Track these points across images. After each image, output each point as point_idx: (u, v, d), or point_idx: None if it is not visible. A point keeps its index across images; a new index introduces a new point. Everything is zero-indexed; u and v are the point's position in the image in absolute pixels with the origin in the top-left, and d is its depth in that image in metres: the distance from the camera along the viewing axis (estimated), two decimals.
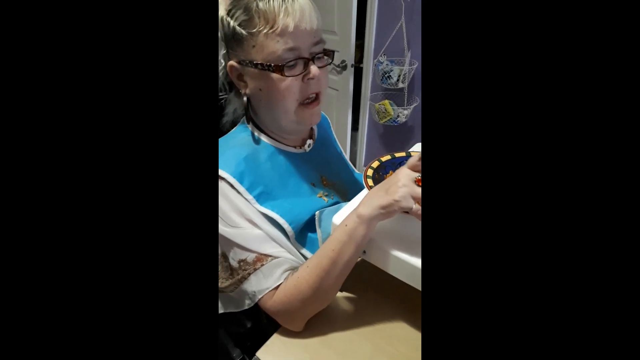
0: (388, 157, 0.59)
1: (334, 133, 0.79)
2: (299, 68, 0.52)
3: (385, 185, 0.46)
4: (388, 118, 1.65)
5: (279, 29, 0.49)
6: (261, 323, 0.63)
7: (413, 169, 0.45)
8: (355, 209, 0.47)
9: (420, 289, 0.45)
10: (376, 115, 1.68)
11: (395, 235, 0.48)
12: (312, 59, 0.52)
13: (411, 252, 0.45)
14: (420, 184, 0.43)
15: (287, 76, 0.51)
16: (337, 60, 1.77)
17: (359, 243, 0.47)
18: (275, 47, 0.50)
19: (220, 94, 0.64)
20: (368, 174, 0.53)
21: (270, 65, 0.50)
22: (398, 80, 1.57)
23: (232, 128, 0.63)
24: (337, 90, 1.88)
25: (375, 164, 0.56)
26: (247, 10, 0.50)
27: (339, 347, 0.51)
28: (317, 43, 0.53)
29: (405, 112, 1.63)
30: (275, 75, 0.51)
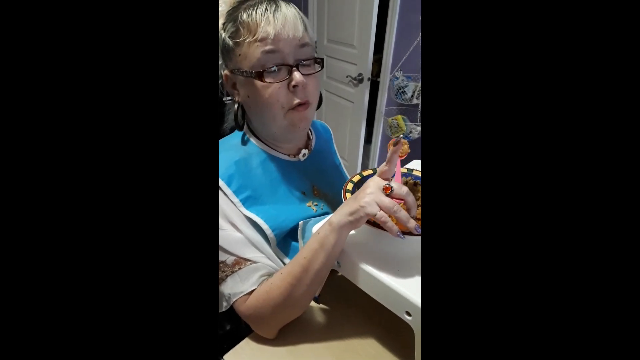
0: (370, 171, 0.58)
1: (335, 145, 0.79)
2: (282, 75, 0.52)
3: (355, 194, 0.46)
4: (400, 133, 1.64)
5: (259, 37, 0.50)
6: (240, 327, 0.63)
7: (381, 176, 0.46)
8: (328, 218, 0.47)
9: (385, 304, 0.44)
10: (389, 130, 1.68)
11: (368, 250, 0.48)
12: (297, 66, 0.53)
13: (381, 268, 0.45)
14: (388, 192, 0.42)
15: (268, 83, 0.52)
16: (354, 73, 1.79)
17: (329, 252, 0.46)
18: (256, 53, 0.51)
19: (227, 98, 0.67)
20: (348, 188, 0.53)
21: (252, 72, 0.52)
22: (413, 96, 1.56)
23: (232, 133, 0.65)
24: (352, 102, 1.89)
25: (357, 178, 0.56)
26: (234, 22, 0.52)
27: (305, 359, 0.50)
28: (302, 47, 0.53)
29: (419, 128, 1.62)
30: (259, 83, 0.52)
